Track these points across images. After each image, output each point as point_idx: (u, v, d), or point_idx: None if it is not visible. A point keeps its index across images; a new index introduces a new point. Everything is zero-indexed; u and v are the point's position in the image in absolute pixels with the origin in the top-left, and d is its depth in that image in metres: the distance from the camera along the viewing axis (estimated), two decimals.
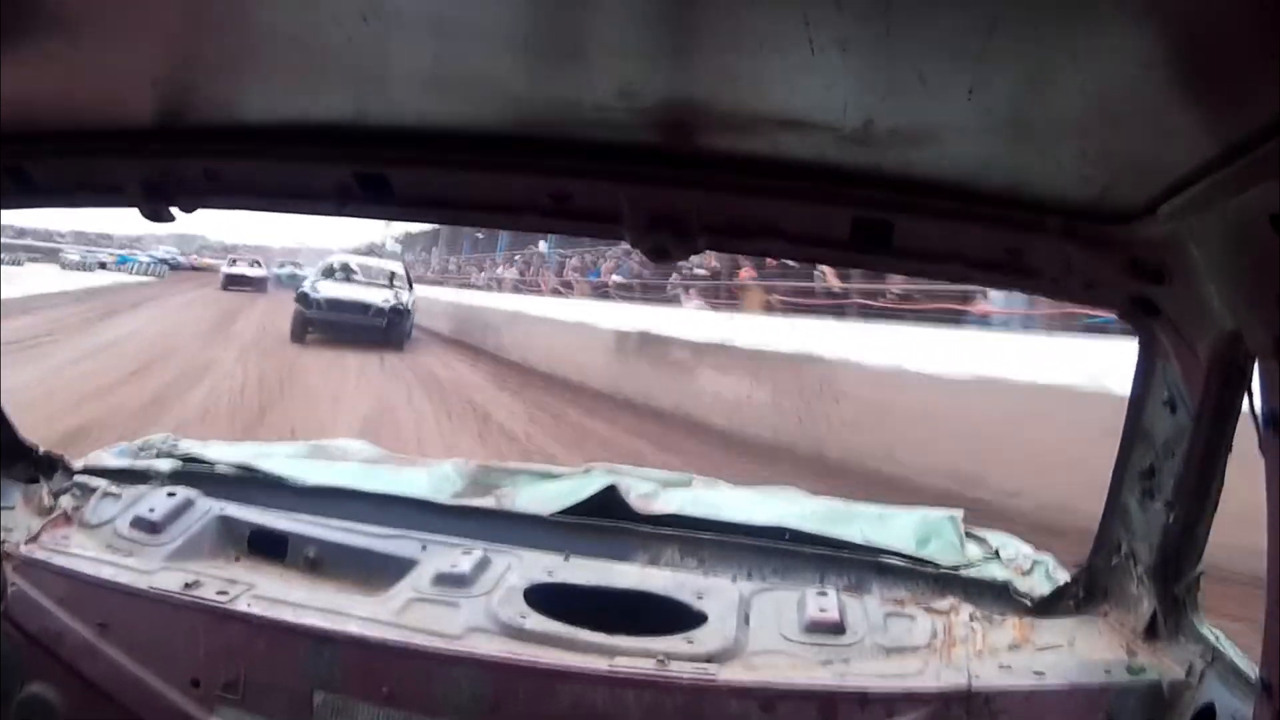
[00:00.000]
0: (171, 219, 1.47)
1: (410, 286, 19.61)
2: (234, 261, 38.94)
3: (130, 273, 40.26)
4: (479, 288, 26.89)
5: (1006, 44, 0.76)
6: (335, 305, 16.91)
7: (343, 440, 3.00)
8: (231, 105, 1.20)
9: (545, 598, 1.64)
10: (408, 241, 45.88)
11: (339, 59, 1.00)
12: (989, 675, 1.45)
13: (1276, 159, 0.79)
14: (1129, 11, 0.68)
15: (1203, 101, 0.82)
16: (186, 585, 1.64)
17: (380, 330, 17.00)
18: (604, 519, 1.98)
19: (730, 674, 1.46)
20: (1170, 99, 0.82)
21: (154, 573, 1.68)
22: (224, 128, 1.26)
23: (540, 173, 1.26)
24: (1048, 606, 1.63)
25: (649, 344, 13.03)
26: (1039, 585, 1.84)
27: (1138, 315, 1.28)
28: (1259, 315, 0.97)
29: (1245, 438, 1.08)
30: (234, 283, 34.27)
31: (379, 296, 17.57)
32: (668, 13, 0.85)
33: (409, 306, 17.90)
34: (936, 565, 1.83)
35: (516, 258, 26.65)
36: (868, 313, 10.93)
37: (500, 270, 27.10)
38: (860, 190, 1.19)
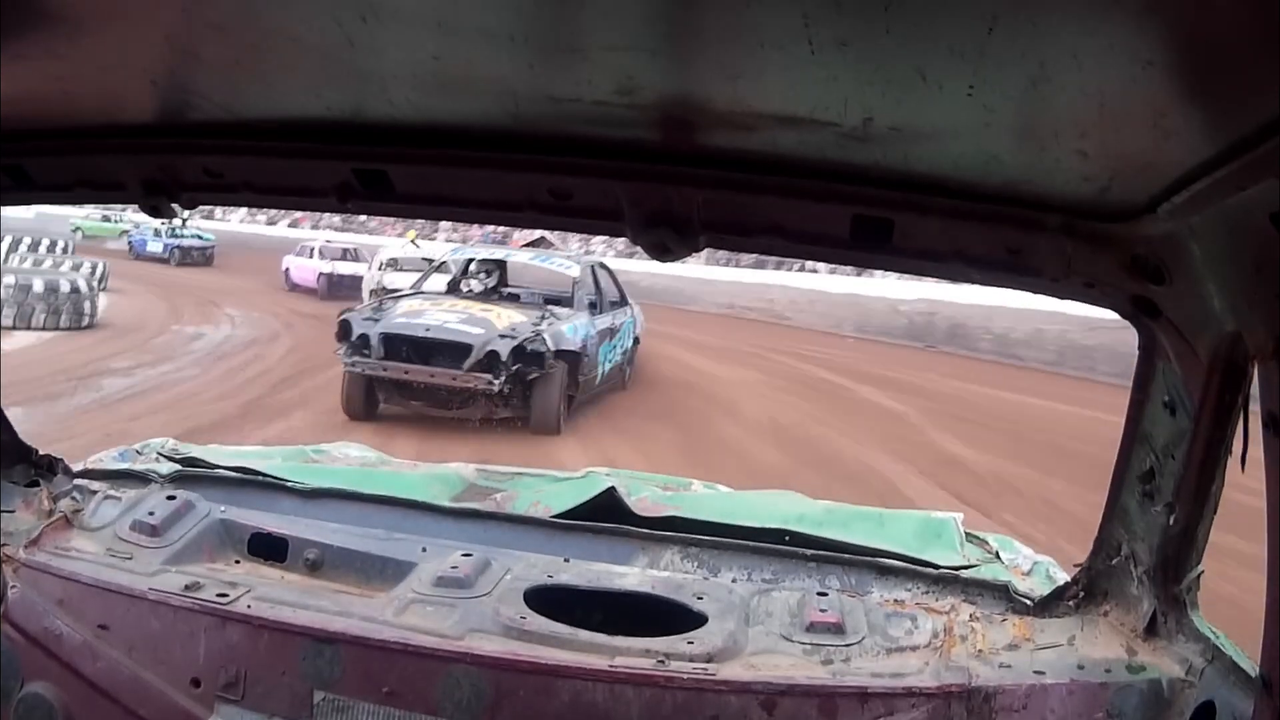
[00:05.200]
0: (173, 215, 1.48)
1: None
2: (320, 254, 23.46)
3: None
4: None
5: (1006, 42, 0.76)
6: None
7: (343, 443, 3.01)
8: (231, 102, 1.21)
9: (545, 599, 1.64)
10: None
11: (339, 57, 1.00)
12: (989, 673, 1.45)
13: (1277, 157, 0.79)
14: (1129, 10, 0.68)
15: (1203, 100, 0.82)
16: (186, 587, 1.64)
17: None
18: (603, 522, 1.98)
19: (730, 672, 1.47)
20: (1170, 97, 0.82)
21: (154, 575, 1.68)
22: (224, 124, 1.26)
23: (540, 169, 1.26)
24: (1048, 606, 1.63)
25: None
26: (1039, 586, 1.85)
27: (1138, 316, 1.28)
28: (1259, 315, 0.97)
29: None
30: (337, 289, 21.55)
31: None
32: (667, 10, 0.85)
33: None
34: (936, 567, 1.83)
35: None
36: None
37: None
38: (860, 188, 1.19)
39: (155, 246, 28.64)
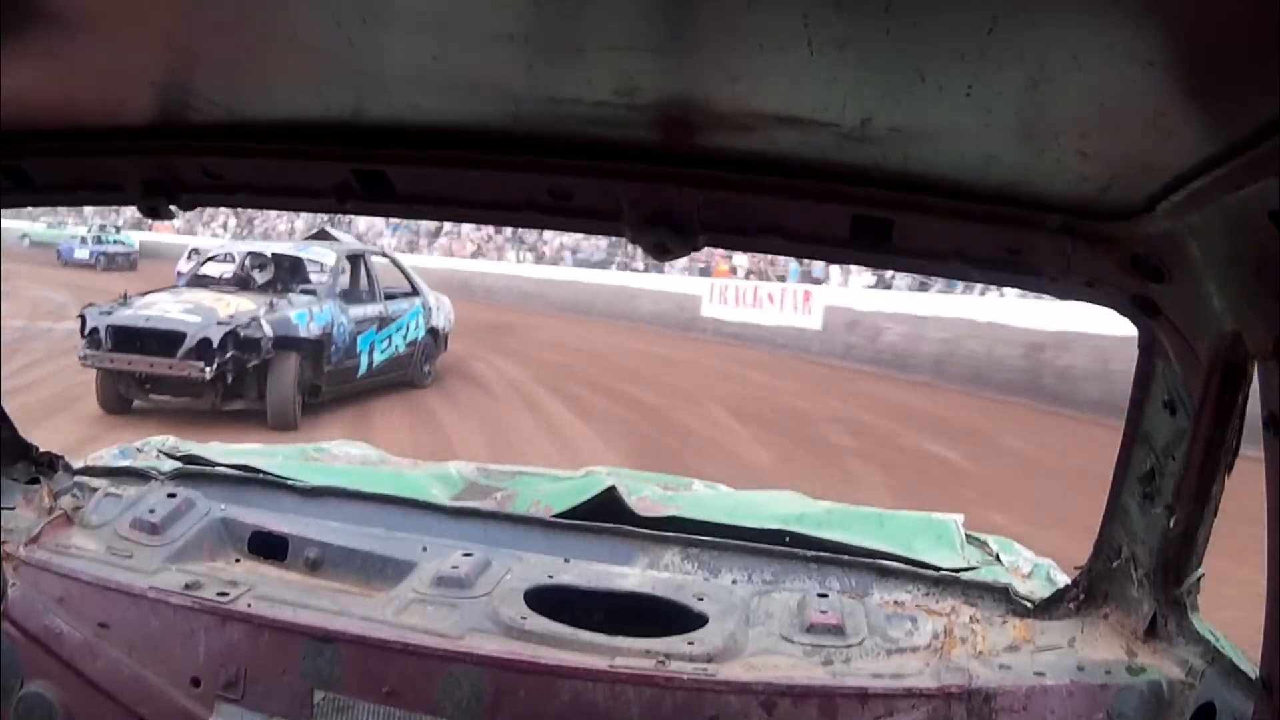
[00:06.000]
0: (172, 216, 1.48)
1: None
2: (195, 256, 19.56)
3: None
4: None
5: (1006, 42, 0.76)
6: None
7: (343, 442, 3.01)
8: (231, 103, 1.21)
9: (545, 599, 1.64)
10: None
11: (338, 58, 1.00)
12: (989, 675, 1.45)
13: (1276, 156, 0.79)
14: (1128, 11, 0.68)
15: (1202, 100, 0.82)
16: (187, 586, 1.64)
17: None
18: (604, 522, 1.98)
19: (730, 673, 1.46)
20: (1170, 97, 0.82)
21: (154, 573, 1.68)
22: (223, 125, 1.26)
23: (540, 170, 1.26)
24: (1048, 608, 1.63)
25: None
26: (1039, 588, 1.84)
27: (1138, 315, 1.28)
28: (1259, 315, 0.97)
29: None
30: None
31: None
32: (667, 10, 0.85)
33: None
34: (937, 568, 1.83)
35: None
36: None
37: None
38: (860, 188, 1.19)
39: (82, 253, 29.73)
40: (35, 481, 1.90)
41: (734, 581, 1.77)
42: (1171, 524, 1.34)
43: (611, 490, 2.14)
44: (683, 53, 0.92)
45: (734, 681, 1.45)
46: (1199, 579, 1.39)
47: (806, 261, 19.72)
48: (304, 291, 10.79)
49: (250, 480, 2.08)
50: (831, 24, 0.78)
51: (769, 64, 0.88)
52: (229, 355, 9.08)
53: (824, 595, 1.68)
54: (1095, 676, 1.43)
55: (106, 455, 2.28)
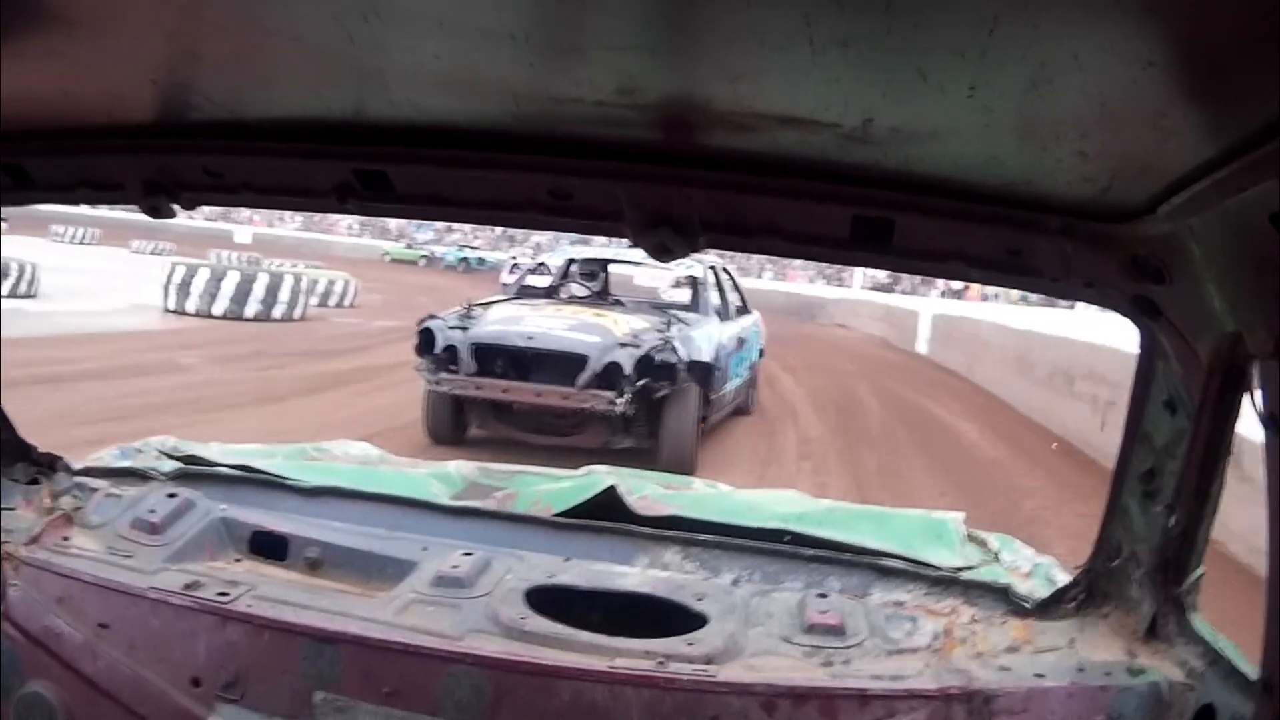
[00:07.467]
0: (173, 215, 1.48)
1: None
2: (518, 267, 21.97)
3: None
4: None
5: (1007, 42, 0.76)
6: None
7: (344, 441, 3.01)
8: (231, 102, 1.21)
9: (546, 599, 1.64)
10: None
11: (339, 56, 1.00)
12: (989, 676, 1.45)
13: (1277, 158, 0.79)
14: (1129, 11, 0.69)
15: (1203, 101, 0.82)
16: (187, 586, 1.64)
17: None
18: (604, 521, 1.98)
19: (730, 674, 1.46)
20: (1170, 98, 0.82)
21: (154, 573, 1.67)
22: (224, 124, 1.26)
23: (540, 170, 1.26)
24: (1048, 608, 1.63)
25: None
26: (1039, 588, 1.84)
27: (1139, 316, 1.29)
28: (1259, 316, 0.97)
29: None
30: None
31: None
32: (668, 9, 0.85)
33: None
34: (937, 568, 1.83)
35: None
36: None
37: None
38: (861, 188, 1.20)
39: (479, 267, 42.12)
40: (35, 482, 1.90)
41: (734, 581, 1.77)
42: (1172, 522, 1.34)
43: (612, 490, 2.14)
44: (683, 52, 0.92)
45: (734, 683, 1.45)
46: (1199, 578, 1.39)
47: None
48: (656, 306, 9.20)
49: (250, 480, 2.08)
50: (833, 23, 0.78)
51: (770, 63, 0.88)
52: (640, 384, 7.22)
53: (824, 595, 1.68)
54: (1095, 678, 1.43)
55: (106, 456, 2.27)
